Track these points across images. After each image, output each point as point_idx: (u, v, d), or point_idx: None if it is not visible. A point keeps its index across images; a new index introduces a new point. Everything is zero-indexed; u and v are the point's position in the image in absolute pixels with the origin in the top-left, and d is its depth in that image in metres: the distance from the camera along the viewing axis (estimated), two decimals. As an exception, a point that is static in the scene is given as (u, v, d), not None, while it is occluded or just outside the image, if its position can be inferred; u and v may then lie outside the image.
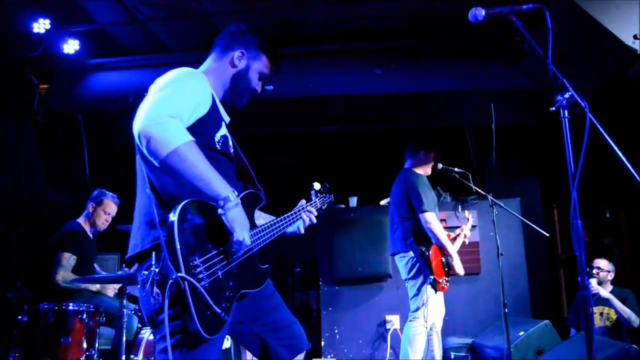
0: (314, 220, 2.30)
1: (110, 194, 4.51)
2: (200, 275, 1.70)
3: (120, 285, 3.62)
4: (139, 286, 1.85)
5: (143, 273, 1.75)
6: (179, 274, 1.62)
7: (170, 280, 1.62)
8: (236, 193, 1.81)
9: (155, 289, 1.66)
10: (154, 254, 1.69)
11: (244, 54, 2.13)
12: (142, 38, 5.41)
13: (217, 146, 1.97)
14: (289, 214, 2.24)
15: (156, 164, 1.73)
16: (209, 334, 1.69)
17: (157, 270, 1.66)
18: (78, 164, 6.20)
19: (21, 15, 4.91)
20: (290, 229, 2.26)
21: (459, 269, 4.17)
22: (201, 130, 1.90)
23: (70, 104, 5.91)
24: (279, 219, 2.18)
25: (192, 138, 1.75)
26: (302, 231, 2.29)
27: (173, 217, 1.67)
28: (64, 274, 4.09)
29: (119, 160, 6.02)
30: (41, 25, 4.95)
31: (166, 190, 1.83)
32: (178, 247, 1.64)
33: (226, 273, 1.82)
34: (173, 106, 1.76)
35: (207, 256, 1.76)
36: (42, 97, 5.68)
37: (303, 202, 2.34)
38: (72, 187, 6.09)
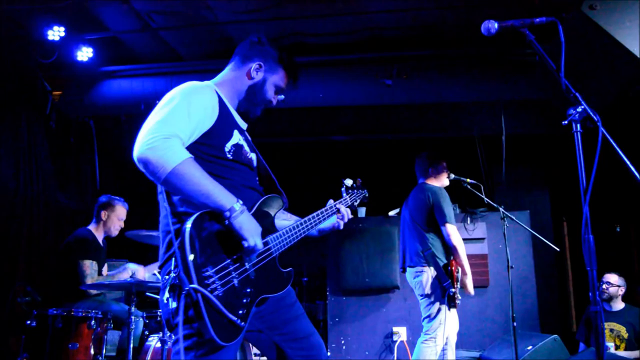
0: (346, 219, 2.33)
1: (117, 198, 4.51)
2: (214, 285, 1.72)
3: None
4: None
5: (165, 278, 1.80)
6: (192, 286, 1.66)
7: (184, 292, 1.66)
8: (241, 202, 1.83)
9: (171, 293, 1.71)
10: (172, 260, 1.74)
11: (261, 66, 2.14)
12: (154, 46, 5.47)
13: (228, 155, 1.98)
14: (312, 215, 2.23)
15: (159, 185, 1.81)
16: (224, 342, 1.72)
17: (174, 275, 1.71)
18: (89, 169, 6.25)
19: (36, 23, 4.98)
20: (324, 225, 2.29)
21: (470, 288, 4.13)
22: (209, 142, 1.93)
23: (82, 111, 5.98)
24: (301, 221, 2.18)
25: (189, 155, 1.78)
26: (341, 226, 2.32)
27: (185, 229, 1.71)
28: (92, 280, 4.11)
29: (129, 167, 6.04)
30: (56, 33, 5.03)
31: (180, 203, 1.88)
32: (190, 259, 1.68)
33: (243, 280, 1.85)
34: (168, 127, 1.78)
35: (221, 265, 1.78)
36: (54, 103, 5.75)
37: (331, 202, 2.34)
38: (83, 193, 6.14)
